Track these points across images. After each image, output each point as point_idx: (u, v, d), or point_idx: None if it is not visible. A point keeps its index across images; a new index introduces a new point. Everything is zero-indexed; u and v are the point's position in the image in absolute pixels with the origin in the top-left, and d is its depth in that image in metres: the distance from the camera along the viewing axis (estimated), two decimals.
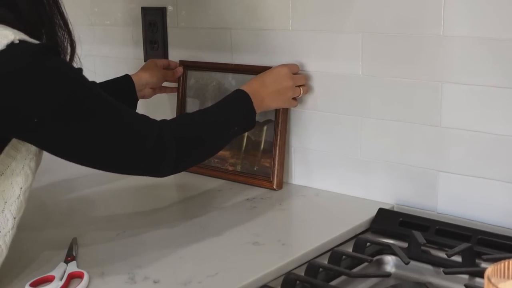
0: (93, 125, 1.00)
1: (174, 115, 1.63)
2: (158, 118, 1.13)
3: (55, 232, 1.25)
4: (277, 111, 1.44)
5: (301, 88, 1.38)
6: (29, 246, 1.18)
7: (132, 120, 1.07)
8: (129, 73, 1.51)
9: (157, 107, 1.72)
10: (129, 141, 1.05)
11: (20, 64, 0.93)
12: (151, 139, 1.06)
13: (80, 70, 1.03)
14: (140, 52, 1.74)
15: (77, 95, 0.98)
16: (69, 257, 1.10)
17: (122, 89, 1.48)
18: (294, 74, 1.37)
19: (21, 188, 1.01)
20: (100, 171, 1.09)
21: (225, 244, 1.17)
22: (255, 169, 1.48)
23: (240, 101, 1.27)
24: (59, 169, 1.31)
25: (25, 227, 1.28)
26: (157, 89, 1.59)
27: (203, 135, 1.18)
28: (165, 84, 1.62)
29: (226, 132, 1.22)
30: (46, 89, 0.95)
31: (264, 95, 1.30)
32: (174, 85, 1.64)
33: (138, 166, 1.08)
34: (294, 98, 1.39)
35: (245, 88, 1.28)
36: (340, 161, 1.40)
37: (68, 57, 1.08)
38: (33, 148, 1.02)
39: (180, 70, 1.61)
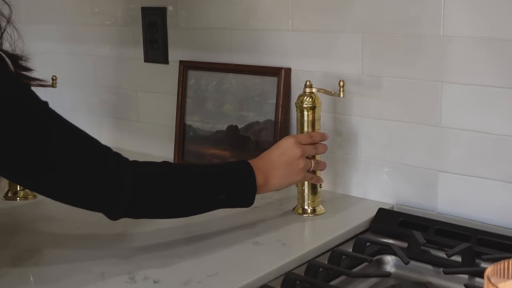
0: (44, 144, 0.92)
1: (174, 116, 1.63)
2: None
3: (54, 233, 1.25)
4: (277, 110, 1.44)
5: (312, 161, 1.24)
6: (27, 246, 1.17)
7: (87, 146, 0.98)
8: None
9: (157, 107, 1.72)
10: (81, 168, 0.96)
11: None
12: (104, 170, 0.98)
13: (27, 86, 0.96)
14: (140, 52, 1.74)
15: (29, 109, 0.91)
16: None
17: None
18: (304, 143, 1.22)
19: None
20: None
21: (225, 244, 1.17)
22: None
23: (240, 172, 1.14)
24: None
25: (24, 227, 1.28)
26: None
27: (173, 186, 1.06)
28: None
29: (207, 198, 1.11)
30: None
31: (271, 171, 1.17)
32: None
33: (88, 199, 1.00)
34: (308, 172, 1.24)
35: (250, 161, 1.16)
36: (340, 161, 1.40)
37: None
38: None
39: None
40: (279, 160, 1.18)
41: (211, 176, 1.12)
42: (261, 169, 1.15)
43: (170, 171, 1.09)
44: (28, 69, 1.06)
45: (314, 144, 1.25)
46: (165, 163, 1.10)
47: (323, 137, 1.27)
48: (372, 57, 1.31)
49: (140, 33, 1.72)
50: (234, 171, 1.14)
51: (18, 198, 1.43)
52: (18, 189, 1.44)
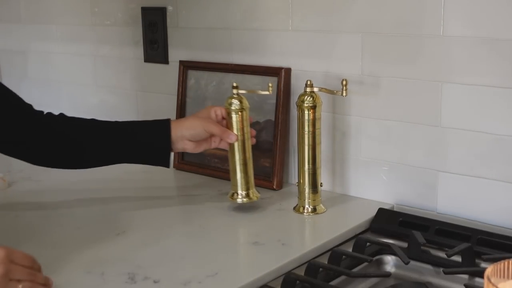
0: None
1: (174, 116, 1.63)
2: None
3: (54, 233, 1.25)
4: (277, 110, 1.44)
5: (20, 285, 0.91)
6: (26, 246, 1.17)
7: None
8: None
9: (157, 107, 1.72)
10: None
11: None
12: None
13: None
14: (140, 52, 1.74)
15: None
16: None
17: (155, 135, 1.29)
18: (15, 262, 0.92)
19: None
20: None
21: (225, 244, 1.17)
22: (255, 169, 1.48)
23: None
24: (58, 170, 1.31)
25: (24, 227, 1.28)
26: (206, 142, 1.31)
27: None
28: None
29: None
30: None
31: None
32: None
33: None
34: None
35: None
36: (340, 161, 1.40)
37: None
38: None
39: (253, 140, 1.33)
40: None
41: None
42: None
43: None
44: None
45: (31, 269, 0.95)
46: None
47: (47, 280, 0.98)
48: (372, 57, 1.31)
49: (140, 33, 1.72)
50: None
51: None
52: None
